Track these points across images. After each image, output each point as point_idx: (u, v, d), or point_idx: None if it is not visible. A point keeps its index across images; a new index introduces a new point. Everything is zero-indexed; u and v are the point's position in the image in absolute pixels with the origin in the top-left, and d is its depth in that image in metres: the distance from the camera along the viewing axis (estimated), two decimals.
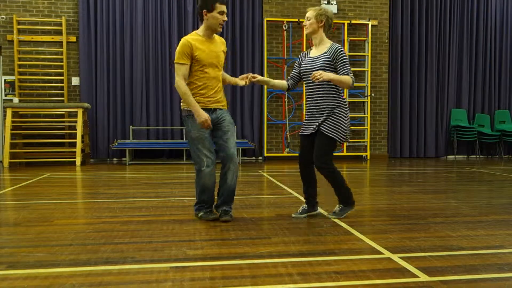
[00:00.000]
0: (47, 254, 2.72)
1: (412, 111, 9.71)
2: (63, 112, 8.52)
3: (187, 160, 8.66)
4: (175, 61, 3.48)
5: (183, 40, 3.49)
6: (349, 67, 3.55)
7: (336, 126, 3.54)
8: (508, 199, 4.66)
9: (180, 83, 3.45)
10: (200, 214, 3.66)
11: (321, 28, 3.63)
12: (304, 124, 3.71)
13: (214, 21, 3.47)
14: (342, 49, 3.57)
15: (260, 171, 7.27)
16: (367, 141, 9.34)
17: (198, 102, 3.47)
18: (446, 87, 9.84)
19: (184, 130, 3.49)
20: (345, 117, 3.58)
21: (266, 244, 2.94)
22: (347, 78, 3.49)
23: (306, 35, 3.73)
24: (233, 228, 3.36)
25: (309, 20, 3.64)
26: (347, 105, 3.66)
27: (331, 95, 3.57)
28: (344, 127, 3.57)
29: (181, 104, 3.61)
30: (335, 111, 3.55)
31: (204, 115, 3.42)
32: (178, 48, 3.47)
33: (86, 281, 2.27)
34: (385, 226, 3.44)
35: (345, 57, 3.55)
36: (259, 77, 3.72)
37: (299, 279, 2.29)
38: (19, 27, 8.43)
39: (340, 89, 3.60)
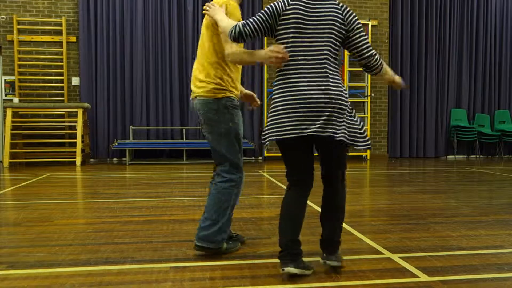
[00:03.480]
0: (47, 254, 2.72)
1: (412, 111, 9.72)
2: (63, 112, 8.52)
3: (187, 160, 8.66)
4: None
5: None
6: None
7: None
8: (508, 199, 4.66)
9: (230, 47, 2.42)
10: (226, 246, 2.72)
11: None
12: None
13: None
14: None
15: (260, 171, 7.27)
16: None
17: (232, 98, 2.66)
18: (446, 87, 9.84)
19: (213, 124, 2.61)
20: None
21: (266, 244, 2.94)
22: (229, 25, 2.32)
23: None
24: (233, 228, 3.36)
25: None
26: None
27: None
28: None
29: (214, 93, 2.60)
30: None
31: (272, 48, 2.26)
32: (232, 11, 2.55)
33: (86, 281, 2.27)
34: (385, 226, 3.44)
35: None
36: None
37: (299, 279, 2.29)
38: (19, 27, 8.44)
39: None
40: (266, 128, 2.33)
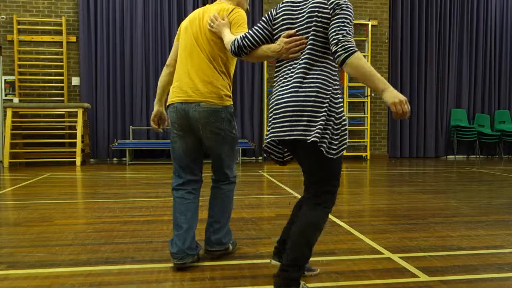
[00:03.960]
0: (47, 254, 2.72)
1: (412, 111, 9.72)
2: (63, 112, 8.52)
3: None
4: (239, 29, 2.48)
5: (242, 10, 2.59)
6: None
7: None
8: (508, 199, 4.66)
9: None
10: (231, 247, 2.73)
11: None
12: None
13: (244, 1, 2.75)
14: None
15: (260, 171, 7.27)
16: (367, 141, 9.34)
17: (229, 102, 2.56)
18: (446, 87, 9.84)
19: (220, 133, 2.49)
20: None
21: (266, 244, 2.94)
22: (230, 39, 2.31)
23: None
24: (233, 228, 3.36)
25: None
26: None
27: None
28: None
29: (223, 100, 2.49)
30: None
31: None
32: (243, 15, 2.54)
33: (86, 281, 2.27)
34: (385, 226, 3.44)
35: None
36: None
37: None
38: (19, 27, 8.44)
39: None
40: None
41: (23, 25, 8.49)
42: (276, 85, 2.16)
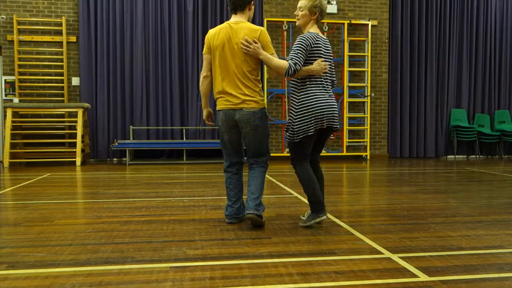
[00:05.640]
0: (47, 254, 2.72)
1: (412, 111, 9.72)
2: (63, 112, 8.53)
3: (187, 160, 8.66)
4: (272, 51, 3.35)
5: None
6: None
7: None
8: (508, 199, 4.66)
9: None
10: (264, 222, 3.47)
11: (314, 20, 3.41)
12: (327, 116, 3.31)
13: (251, 13, 3.56)
14: None
15: None
16: (367, 141, 9.35)
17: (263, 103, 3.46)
18: (446, 87, 9.84)
19: (258, 128, 3.41)
20: None
21: (266, 244, 2.94)
22: (281, 64, 3.27)
23: (297, 26, 3.51)
24: (233, 228, 3.36)
25: (302, 10, 3.41)
26: None
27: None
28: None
29: (259, 104, 3.41)
30: None
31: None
32: (268, 37, 3.38)
33: (86, 281, 2.27)
34: (385, 226, 3.44)
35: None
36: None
37: (299, 279, 2.29)
38: (19, 27, 8.44)
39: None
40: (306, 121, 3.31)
41: (23, 25, 8.49)
42: (312, 91, 3.30)
